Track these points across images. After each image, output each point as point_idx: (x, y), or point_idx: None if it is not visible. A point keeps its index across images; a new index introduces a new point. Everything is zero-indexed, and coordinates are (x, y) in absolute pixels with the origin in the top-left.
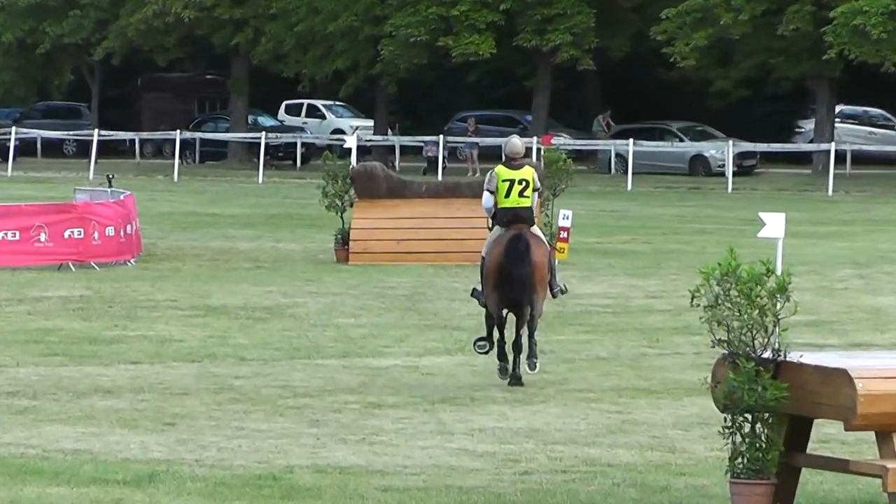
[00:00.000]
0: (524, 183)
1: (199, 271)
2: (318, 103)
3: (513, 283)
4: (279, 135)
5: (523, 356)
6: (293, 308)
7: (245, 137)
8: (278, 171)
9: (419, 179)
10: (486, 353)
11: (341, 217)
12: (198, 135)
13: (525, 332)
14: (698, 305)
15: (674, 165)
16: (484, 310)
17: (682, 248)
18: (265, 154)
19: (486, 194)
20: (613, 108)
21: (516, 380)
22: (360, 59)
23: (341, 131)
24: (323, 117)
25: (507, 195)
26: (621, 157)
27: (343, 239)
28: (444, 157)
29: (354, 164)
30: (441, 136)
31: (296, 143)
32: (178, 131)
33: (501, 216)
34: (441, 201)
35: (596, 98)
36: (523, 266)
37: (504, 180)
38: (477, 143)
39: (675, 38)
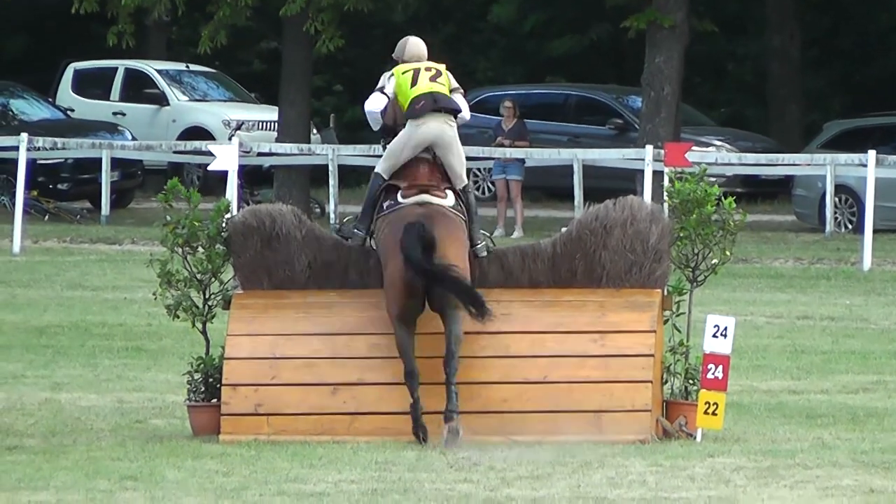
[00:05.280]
0: (433, 70)
1: None
2: (152, 69)
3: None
4: (60, 142)
5: None
6: None
7: None
8: (57, 224)
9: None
10: None
11: (203, 333)
12: None
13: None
14: None
15: None
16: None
17: None
18: (30, 188)
19: (375, 95)
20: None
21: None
22: None
23: (206, 133)
24: (163, 101)
25: (415, 83)
26: (846, 195)
27: (206, 383)
28: None
29: (233, 212)
30: None
31: (98, 164)
32: None
33: (412, 108)
34: None
35: (795, 72)
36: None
37: (404, 72)
38: (520, 163)
39: None
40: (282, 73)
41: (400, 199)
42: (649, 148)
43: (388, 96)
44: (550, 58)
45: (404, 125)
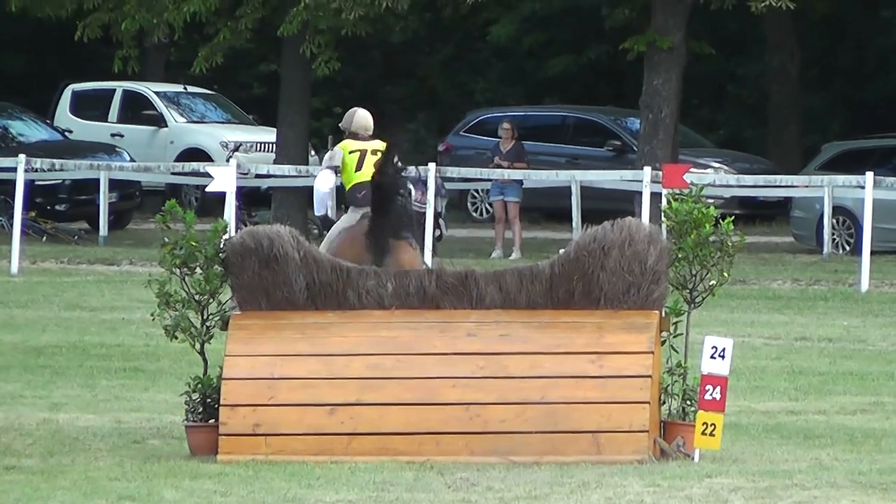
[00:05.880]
0: (379, 154)
1: None
2: (150, 91)
3: None
4: (58, 163)
5: None
6: None
7: None
8: (55, 245)
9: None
10: None
11: (201, 354)
12: None
13: None
14: None
15: None
16: None
17: None
18: (28, 209)
19: (324, 172)
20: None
21: None
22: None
23: (204, 154)
24: (161, 122)
25: (359, 168)
26: (844, 216)
27: (204, 404)
28: (438, 214)
29: (231, 233)
30: (431, 168)
31: (96, 185)
32: None
33: (353, 195)
34: (427, 318)
35: (795, 93)
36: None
37: (352, 152)
38: (517, 185)
39: None
40: (280, 94)
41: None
42: (647, 169)
43: (335, 170)
44: (548, 78)
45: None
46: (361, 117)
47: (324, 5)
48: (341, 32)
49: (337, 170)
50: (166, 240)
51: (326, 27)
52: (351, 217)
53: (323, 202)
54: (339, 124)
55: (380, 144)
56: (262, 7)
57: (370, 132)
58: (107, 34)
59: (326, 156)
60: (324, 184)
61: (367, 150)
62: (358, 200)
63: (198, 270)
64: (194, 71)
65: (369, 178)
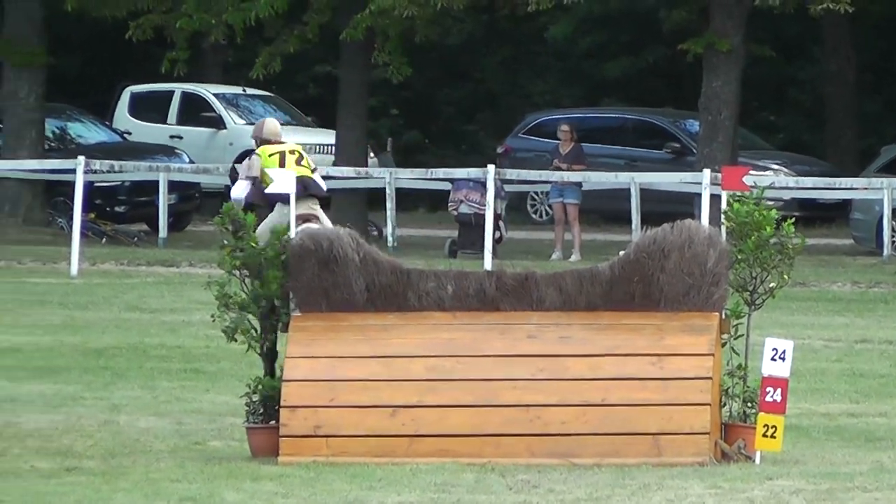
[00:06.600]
0: (297, 154)
1: None
2: (209, 93)
3: None
4: (117, 165)
5: None
6: None
7: (36, 172)
8: (115, 247)
9: (438, 266)
10: None
11: (263, 356)
12: None
13: None
14: None
15: None
16: None
17: None
18: (87, 211)
19: (241, 183)
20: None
21: None
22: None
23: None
24: (220, 124)
25: (282, 166)
26: None
27: (265, 405)
28: (498, 216)
29: (293, 233)
30: (491, 170)
31: (156, 187)
32: None
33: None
34: (486, 320)
35: (851, 96)
36: None
37: (271, 155)
38: (577, 187)
39: None
40: (339, 96)
41: None
42: (707, 172)
43: (252, 181)
44: (606, 80)
45: (265, 201)
46: (271, 124)
47: (387, 11)
48: (414, 39)
49: (255, 180)
50: (225, 242)
51: (395, 33)
52: (278, 213)
53: (240, 202)
54: (251, 135)
55: (295, 145)
56: (327, 11)
57: (280, 137)
58: (160, 35)
59: (244, 166)
60: (239, 192)
61: (285, 151)
62: (284, 196)
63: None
64: (253, 76)
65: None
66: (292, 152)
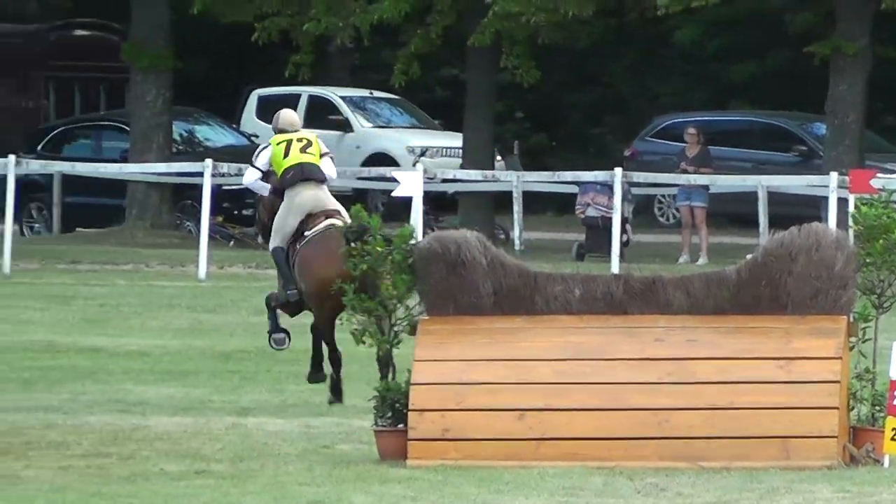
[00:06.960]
0: (304, 141)
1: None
2: (336, 95)
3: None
4: (245, 168)
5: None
6: None
7: (163, 175)
8: (242, 250)
9: (565, 270)
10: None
11: (390, 359)
12: (56, 166)
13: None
14: None
15: None
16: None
17: None
18: (215, 214)
19: (249, 171)
20: None
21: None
22: (440, 2)
23: (390, 159)
24: (347, 127)
25: (287, 154)
26: None
27: (393, 409)
28: (626, 219)
29: (419, 238)
30: (618, 173)
31: None
32: (11, 158)
33: (284, 177)
34: (613, 324)
35: None
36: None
37: (279, 143)
38: (704, 190)
39: None
40: (466, 99)
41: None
42: (834, 175)
43: (260, 169)
44: (732, 83)
45: (282, 189)
46: (286, 115)
47: (512, 15)
48: (538, 42)
49: (256, 168)
50: (353, 245)
51: (523, 37)
52: (288, 203)
53: (262, 186)
54: (272, 125)
55: (307, 132)
56: (451, 12)
57: (296, 127)
58: (286, 38)
59: (255, 154)
60: (249, 178)
61: (292, 139)
62: (287, 181)
63: (385, 276)
64: (394, 84)
65: (297, 161)
66: (300, 140)
